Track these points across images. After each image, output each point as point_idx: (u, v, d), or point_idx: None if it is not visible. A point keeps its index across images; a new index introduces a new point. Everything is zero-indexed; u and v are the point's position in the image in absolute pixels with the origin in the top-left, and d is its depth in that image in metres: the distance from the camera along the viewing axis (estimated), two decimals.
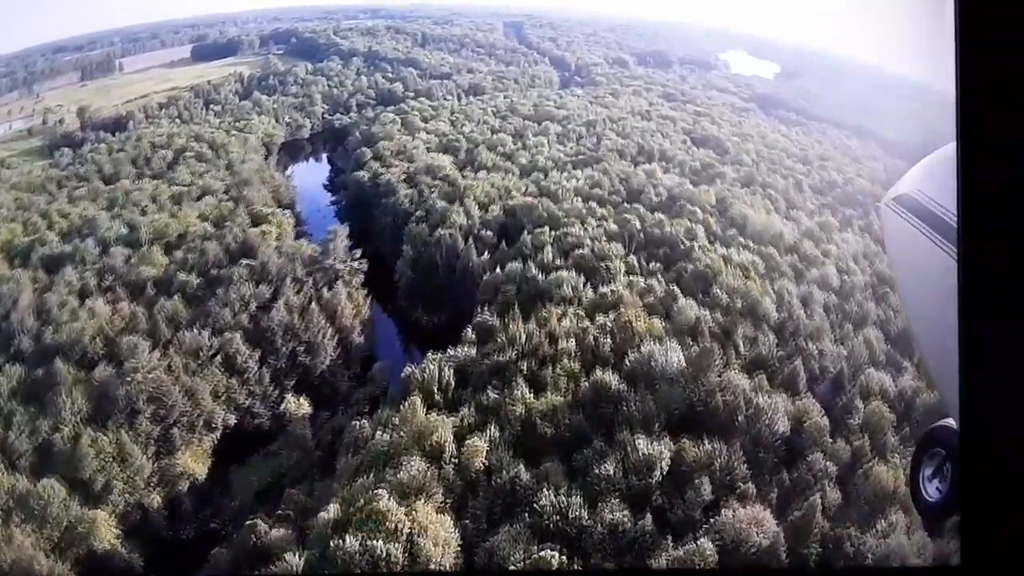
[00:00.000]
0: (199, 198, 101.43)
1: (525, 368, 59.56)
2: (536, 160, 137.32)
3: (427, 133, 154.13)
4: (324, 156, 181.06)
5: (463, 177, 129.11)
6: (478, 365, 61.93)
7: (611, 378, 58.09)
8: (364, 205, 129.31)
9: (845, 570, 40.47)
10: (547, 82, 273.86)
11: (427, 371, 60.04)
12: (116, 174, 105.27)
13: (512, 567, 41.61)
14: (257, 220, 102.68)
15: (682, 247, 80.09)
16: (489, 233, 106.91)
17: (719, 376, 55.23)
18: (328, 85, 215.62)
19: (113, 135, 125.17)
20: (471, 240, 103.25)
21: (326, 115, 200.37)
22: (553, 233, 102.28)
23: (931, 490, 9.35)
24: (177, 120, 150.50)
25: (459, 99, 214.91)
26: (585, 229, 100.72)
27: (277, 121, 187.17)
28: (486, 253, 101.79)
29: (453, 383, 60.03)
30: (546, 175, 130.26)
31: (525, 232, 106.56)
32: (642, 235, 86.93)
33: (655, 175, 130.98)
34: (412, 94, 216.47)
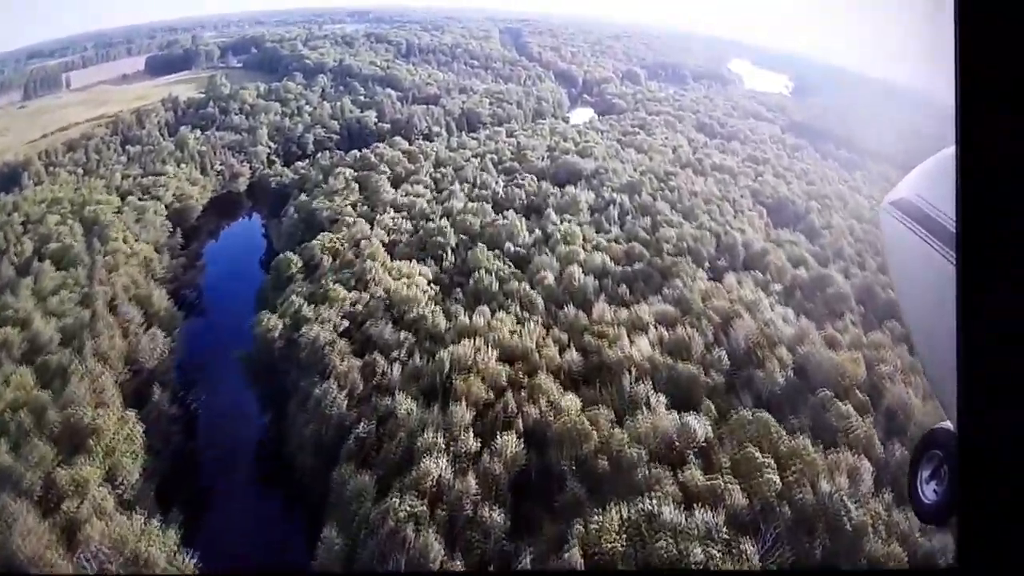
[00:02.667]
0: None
1: None
2: (568, 277, 74.92)
3: (395, 213, 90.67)
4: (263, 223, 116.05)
5: (449, 326, 67.16)
6: None
7: None
8: (274, 373, 67.33)
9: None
10: (555, 104, 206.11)
11: None
12: None
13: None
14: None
15: None
16: (499, 515, 45.00)
17: None
18: (281, 113, 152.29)
19: None
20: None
21: (272, 156, 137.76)
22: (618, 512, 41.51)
23: (928, 492, 8.28)
24: (78, 172, 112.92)
25: (448, 135, 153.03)
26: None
27: (204, 172, 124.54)
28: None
29: None
30: (588, 312, 68.56)
31: (567, 486, 46.80)
32: None
33: (761, 308, 70.98)
34: (387, 126, 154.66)
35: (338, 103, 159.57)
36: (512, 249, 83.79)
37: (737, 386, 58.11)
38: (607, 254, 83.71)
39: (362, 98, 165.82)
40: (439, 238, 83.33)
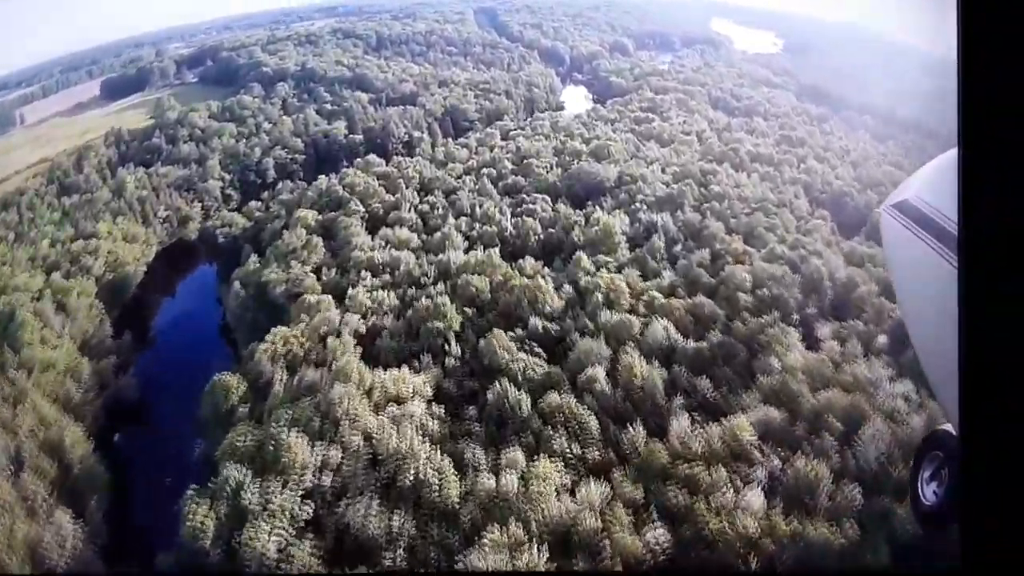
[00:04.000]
0: None
1: None
2: (627, 372, 48.94)
3: (372, 279, 64.28)
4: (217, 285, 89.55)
5: (467, 489, 41.11)
6: None
7: None
8: None
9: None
10: (548, 89, 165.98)
11: None
12: None
13: None
14: None
15: None
16: None
17: None
18: (236, 135, 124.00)
19: None
20: None
21: (228, 188, 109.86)
22: None
23: (928, 493, 7.87)
24: (8, 238, 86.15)
25: (432, 143, 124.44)
26: None
27: (146, 221, 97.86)
28: None
29: None
30: (663, 433, 43.96)
31: None
32: None
33: (880, 385, 45.51)
34: (359, 138, 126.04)
35: (301, 115, 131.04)
36: (539, 326, 57.04)
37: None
38: (668, 318, 57.17)
39: (328, 106, 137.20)
40: (436, 321, 56.39)
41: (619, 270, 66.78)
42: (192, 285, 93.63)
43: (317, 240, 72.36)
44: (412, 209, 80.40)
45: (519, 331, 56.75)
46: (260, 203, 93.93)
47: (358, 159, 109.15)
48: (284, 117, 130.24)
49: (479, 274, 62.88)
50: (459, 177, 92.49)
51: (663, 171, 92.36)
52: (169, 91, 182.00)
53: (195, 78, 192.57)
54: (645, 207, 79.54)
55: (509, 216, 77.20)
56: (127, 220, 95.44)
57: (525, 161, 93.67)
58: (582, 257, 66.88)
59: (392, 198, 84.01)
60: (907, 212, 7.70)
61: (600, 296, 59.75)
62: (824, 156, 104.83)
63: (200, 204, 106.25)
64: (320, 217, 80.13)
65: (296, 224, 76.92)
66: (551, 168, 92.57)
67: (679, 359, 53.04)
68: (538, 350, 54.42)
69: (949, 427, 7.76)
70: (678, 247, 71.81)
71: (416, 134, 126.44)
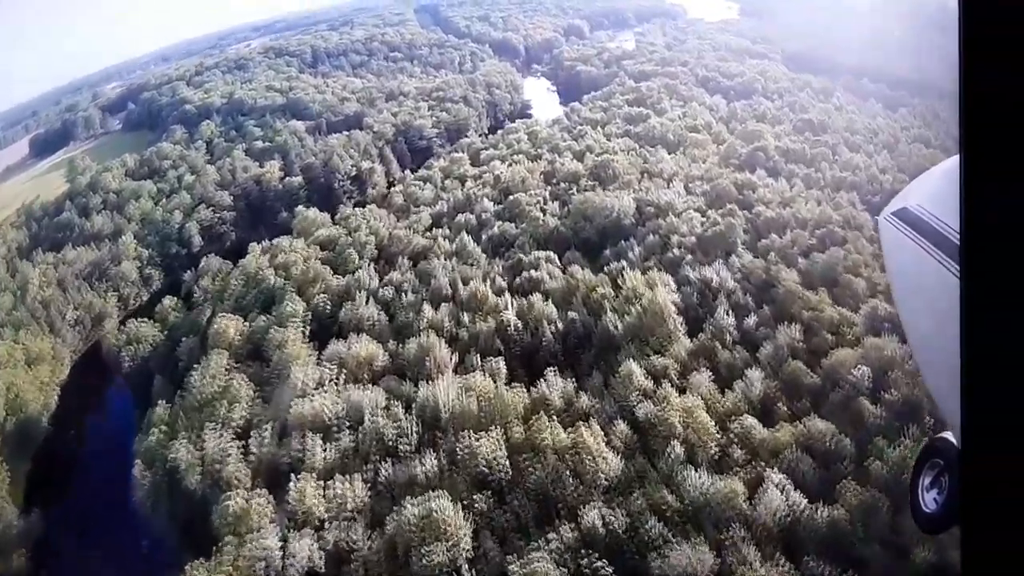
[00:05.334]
0: None
1: None
2: None
3: (323, 455, 38.53)
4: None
5: None
6: None
7: None
8: None
9: None
10: (510, 87, 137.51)
11: None
12: None
13: None
14: None
15: None
16: None
17: None
18: (156, 194, 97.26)
19: None
20: None
21: (146, 269, 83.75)
22: None
23: (928, 501, 6.97)
24: None
25: (387, 178, 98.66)
26: None
27: (53, 329, 75.02)
28: None
29: None
30: None
31: None
32: None
33: None
34: (297, 180, 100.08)
35: (228, 159, 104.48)
36: (598, 521, 32.83)
37: None
38: (779, 465, 33.67)
39: (260, 143, 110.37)
40: (434, 544, 31.83)
41: (682, 374, 42.89)
42: (115, 410, 68.31)
43: (240, 383, 46.93)
44: (370, 299, 55.34)
45: (567, 531, 32.59)
46: (174, 300, 67.92)
47: (299, 207, 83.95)
48: (208, 166, 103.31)
49: (487, 428, 38.22)
50: (428, 230, 67.57)
51: (687, 189, 68.34)
52: (93, 143, 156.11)
53: (119, 124, 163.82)
54: (686, 253, 55.59)
55: (506, 295, 52.49)
56: (31, 334, 70.34)
57: (510, 198, 68.84)
58: (632, 370, 42.57)
59: (341, 280, 58.91)
60: (907, 220, 6.93)
61: (678, 448, 35.66)
62: (854, 142, 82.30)
63: (116, 294, 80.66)
64: (246, 328, 54.90)
65: (214, 348, 51.70)
66: (545, 202, 68.07)
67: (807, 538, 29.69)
68: (604, 571, 30.41)
69: (948, 435, 6.96)
70: (751, 319, 48.06)
71: (365, 165, 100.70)
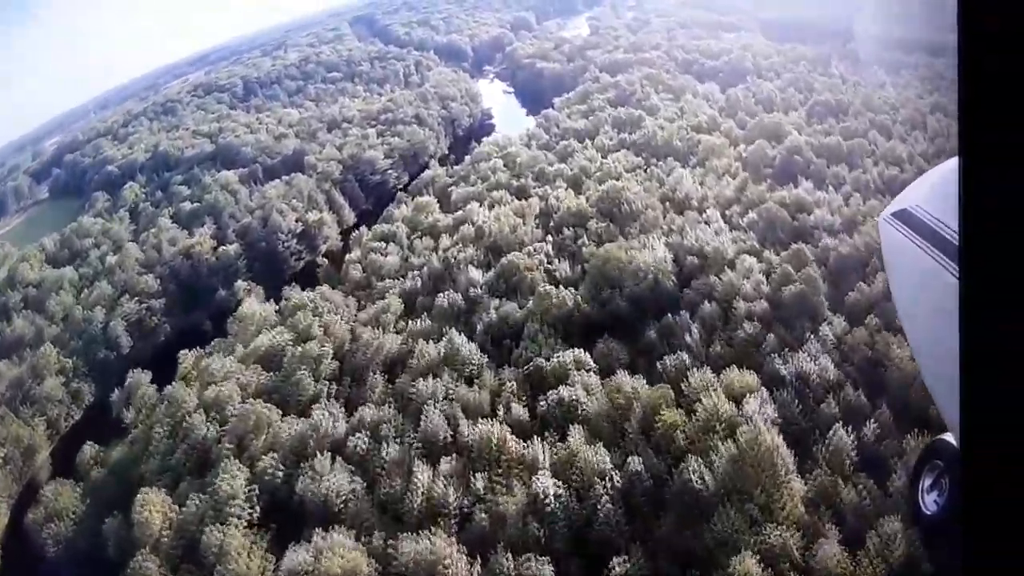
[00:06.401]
0: None
1: None
2: None
3: None
4: None
5: None
6: None
7: None
8: None
9: None
10: (466, 97, 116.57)
11: None
12: None
13: None
14: None
15: None
16: None
17: None
18: (78, 284, 77.06)
19: None
20: None
21: (73, 383, 63.36)
22: None
23: (929, 502, 7.31)
24: None
25: (339, 229, 79.33)
26: None
27: None
28: None
29: None
30: None
31: None
32: None
33: None
34: (234, 248, 77.15)
35: (153, 230, 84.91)
36: None
37: None
38: None
39: (188, 204, 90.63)
40: None
41: (806, 547, 26.00)
42: None
43: None
44: (336, 459, 36.79)
45: None
46: (95, 449, 48.95)
47: (242, 283, 65.69)
48: (131, 244, 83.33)
49: None
50: (401, 320, 49.13)
51: (727, 220, 50.80)
52: (23, 216, 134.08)
53: (47, 191, 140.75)
54: (763, 330, 38.10)
55: (542, 454, 34.07)
56: None
57: (503, 261, 50.37)
58: (749, 570, 25.11)
59: (295, 426, 40.28)
60: (906, 222, 6.97)
61: None
62: (882, 124, 66.15)
63: (44, 418, 61.90)
64: (175, 515, 36.51)
65: (141, 546, 33.85)
66: (550, 260, 50.14)
67: None
68: None
69: (948, 437, 7.29)
70: (868, 427, 31.41)
71: (312, 217, 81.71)
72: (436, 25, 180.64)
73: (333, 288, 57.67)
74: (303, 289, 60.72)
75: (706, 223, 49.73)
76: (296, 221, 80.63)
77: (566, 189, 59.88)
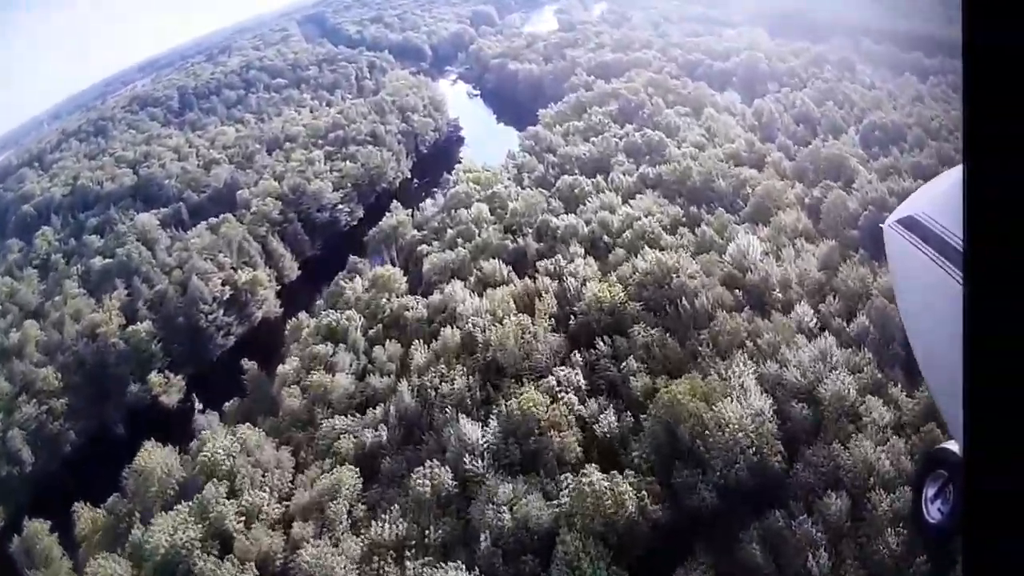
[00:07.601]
0: None
1: None
2: None
3: None
4: None
5: None
6: None
7: None
8: None
9: None
10: (429, 106, 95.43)
11: None
12: None
13: None
14: None
15: None
16: None
17: None
18: None
19: None
20: None
21: None
22: None
23: (933, 511, 7.02)
24: None
25: (282, 283, 58.64)
26: None
27: None
28: None
29: None
30: None
31: None
32: None
33: None
34: (146, 335, 54.13)
35: (59, 296, 65.32)
36: None
37: None
38: None
39: (99, 260, 70.43)
40: None
41: None
42: None
43: None
44: None
45: None
46: None
47: (155, 377, 49.83)
48: (32, 324, 63.24)
49: None
50: (359, 502, 30.68)
51: (822, 318, 33.31)
52: None
53: None
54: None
55: None
56: None
57: (516, 409, 31.71)
58: None
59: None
60: (912, 228, 6.73)
61: None
62: (946, 153, 49.12)
63: None
64: None
65: None
66: (583, 400, 32.20)
67: None
68: None
69: (951, 445, 7.03)
70: None
71: (243, 277, 62.67)
72: (390, 22, 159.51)
73: (263, 418, 38.83)
74: (227, 400, 42.73)
75: (801, 332, 31.89)
76: (223, 285, 61.15)
77: (584, 258, 41.58)
